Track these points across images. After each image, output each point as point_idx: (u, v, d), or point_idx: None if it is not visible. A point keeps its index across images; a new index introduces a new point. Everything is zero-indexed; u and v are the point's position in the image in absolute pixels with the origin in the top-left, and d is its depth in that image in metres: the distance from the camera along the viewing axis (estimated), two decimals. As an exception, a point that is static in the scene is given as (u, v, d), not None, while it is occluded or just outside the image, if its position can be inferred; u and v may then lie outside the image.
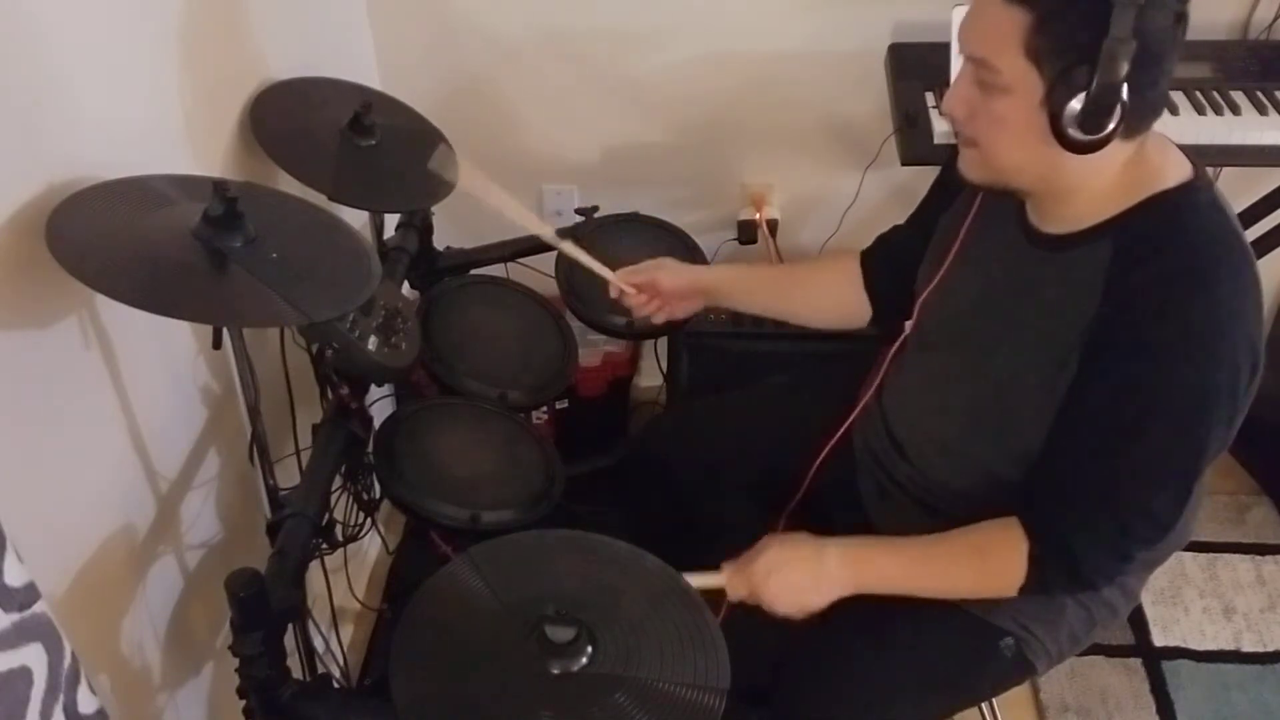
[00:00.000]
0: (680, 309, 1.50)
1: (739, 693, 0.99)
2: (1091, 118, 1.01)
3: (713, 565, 1.23)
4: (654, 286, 1.46)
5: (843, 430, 1.40)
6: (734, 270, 1.55)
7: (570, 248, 1.48)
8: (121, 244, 1.00)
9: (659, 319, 1.50)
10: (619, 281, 1.47)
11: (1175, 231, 1.07)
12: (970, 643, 1.27)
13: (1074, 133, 1.02)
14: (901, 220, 1.48)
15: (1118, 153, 1.07)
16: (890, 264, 1.44)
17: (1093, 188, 1.10)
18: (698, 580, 1.15)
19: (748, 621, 1.22)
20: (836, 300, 1.49)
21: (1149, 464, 1.10)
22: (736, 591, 1.21)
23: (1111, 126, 1.01)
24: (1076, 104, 1.00)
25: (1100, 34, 0.97)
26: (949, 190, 1.32)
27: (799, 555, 1.20)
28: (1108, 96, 0.99)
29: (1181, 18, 1.01)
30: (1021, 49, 1.02)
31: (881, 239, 1.49)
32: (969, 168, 1.15)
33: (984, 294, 1.23)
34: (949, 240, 1.27)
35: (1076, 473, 1.12)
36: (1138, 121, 1.05)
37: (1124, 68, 0.98)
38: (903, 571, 1.21)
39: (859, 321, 1.49)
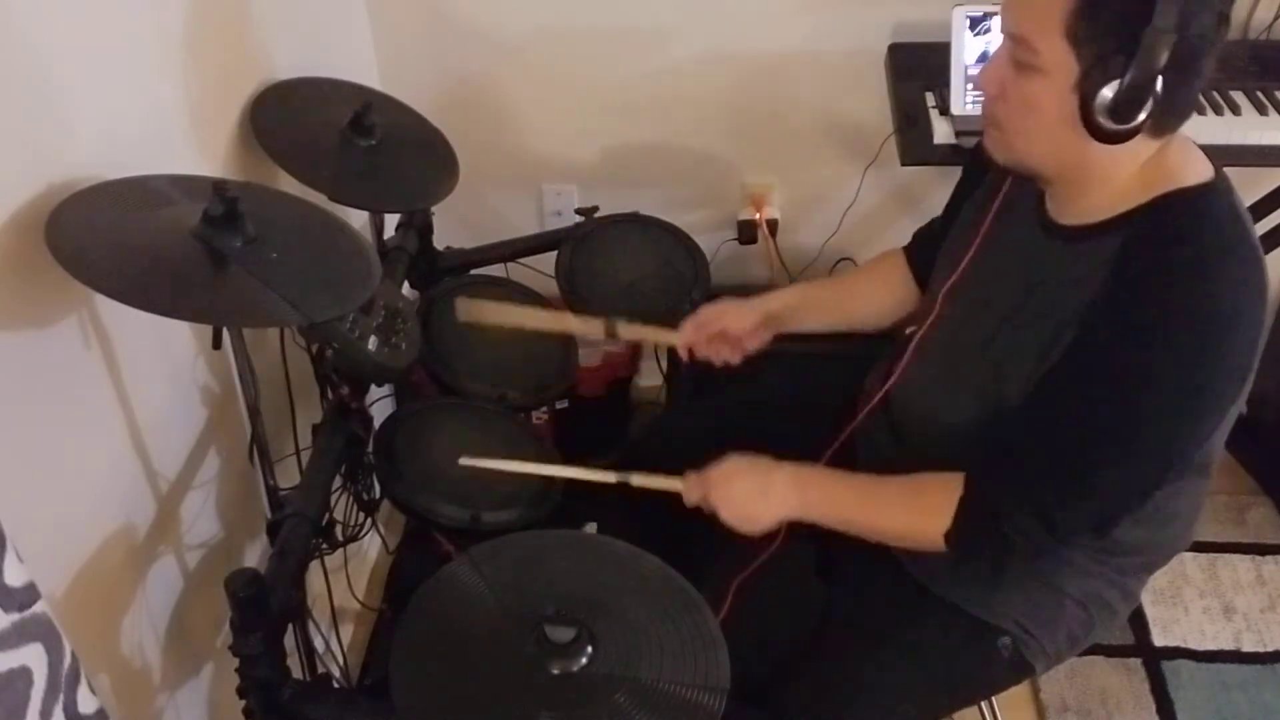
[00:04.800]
0: (753, 343, 1.49)
1: (739, 693, 0.99)
2: (1123, 107, 1.00)
3: (712, 571, 1.24)
4: (723, 335, 1.47)
5: (848, 431, 1.40)
6: (792, 294, 1.54)
7: (626, 329, 1.49)
8: (121, 244, 1.00)
9: (735, 360, 1.49)
10: (689, 342, 1.47)
11: (1186, 228, 1.06)
12: (968, 643, 1.27)
13: (1103, 121, 1.01)
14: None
15: (1142, 149, 1.07)
16: (931, 256, 1.44)
17: (1112, 182, 1.09)
18: (655, 482, 1.23)
19: (748, 622, 1.22)
20: (895, 300, 1.49)
21: (1104, 441, 1.08)
22: (691, 496, 1.24)
23: (1141, 118, 1.01)
24: (1109, 92, 1.00)
25: (1142, 23, 0.96)
26: (973, 177, 1.32)
27: (752, 468, 1.24)
28: (1142, 87, 0.99)
29: (1223, 19, 1.01)
30: (1062, 30, 1.01)
31: (918, 234, 1.51)
32: (994, 148, 1.15)
33: (995, 285, 1.23)
34: (969, 234, 1.27)
35: (1030, 434, 1.12)
36: (1168, 119, 1.05)
37: (1162, 59, 0.97)
38: (843, 500, 1.24)
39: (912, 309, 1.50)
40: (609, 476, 1.29)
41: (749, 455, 1.24)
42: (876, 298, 1.52)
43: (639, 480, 1.27)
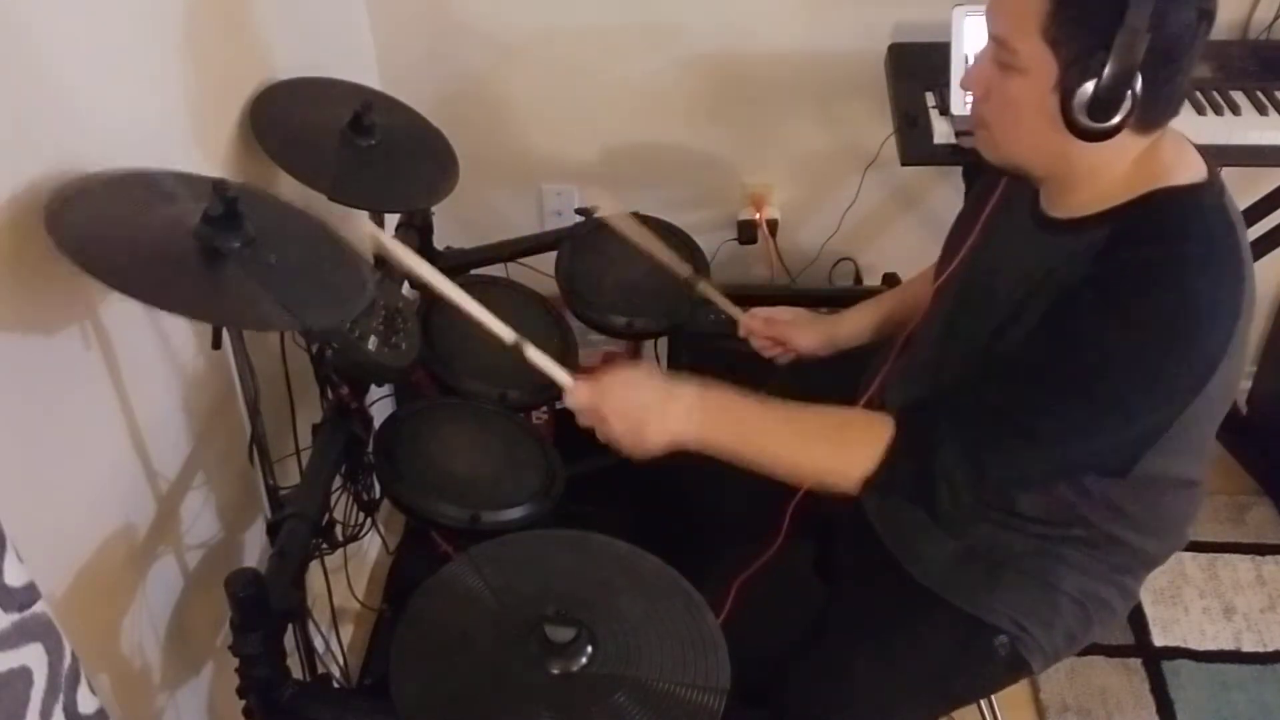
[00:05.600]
0: (809, 353, 1.54)
1: (738, 693, 0.99)
2: (1101, 106, 1.01)
3: (712, 571, 1.23)
4: (789, 343, 1.52)
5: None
6: (859, 315, 1.55)
7: (706, 287, 1.55)
8: (122, 235, 1.00)
9: (782, 360, 1.54)
10: (752, 328, 1.53)
11: (1169, 225, 1.06)
12: (965, 641, 1.27)
13: (1083, 120, 1.02)
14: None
15: (1131, 145, 1.07)
16: None
17: (1102, 177, 1.10)
18: (545, 363, 1.14)
19: (748, 622, 1.22)
20: None
21: (1044, 396, 1.07)
22: (579, 397, 1.14)
23: (1120, 117, 1.01)
24: (1088, 91, 1.01)
25: (1117, 22, 0.97)
26: (970, 178, 1.32)
27: (653, 380, 1.16)
28: (1119, 86, 0.99)
29: (1205, 15, 1.01)
30: (1040, 31, 1.02)
31: None
32: (983, 147, 1.16)
33: (988, 278, 1.23)
34: (965, 228, 1.27)
35: (976, 381, 1.11)
36: (1151, 116, 1.05)
37: (1137, 58, 0.98)
38: (754, 427, 1.16)
39: None
40: (507, 333, 1.17)
41: (653, 368, 1.21)
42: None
43: (533, 354, 1.16)
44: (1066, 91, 1.02)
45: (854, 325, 1.54)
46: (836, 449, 1.15)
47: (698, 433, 1.13)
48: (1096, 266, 1.06)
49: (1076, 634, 1.30)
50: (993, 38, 1.09)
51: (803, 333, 1.51)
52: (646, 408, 1.13)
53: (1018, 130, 1.10)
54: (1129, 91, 1.00)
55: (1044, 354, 1.07)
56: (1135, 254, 1.05)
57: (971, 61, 1.14)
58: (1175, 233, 1.05)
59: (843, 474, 1.13)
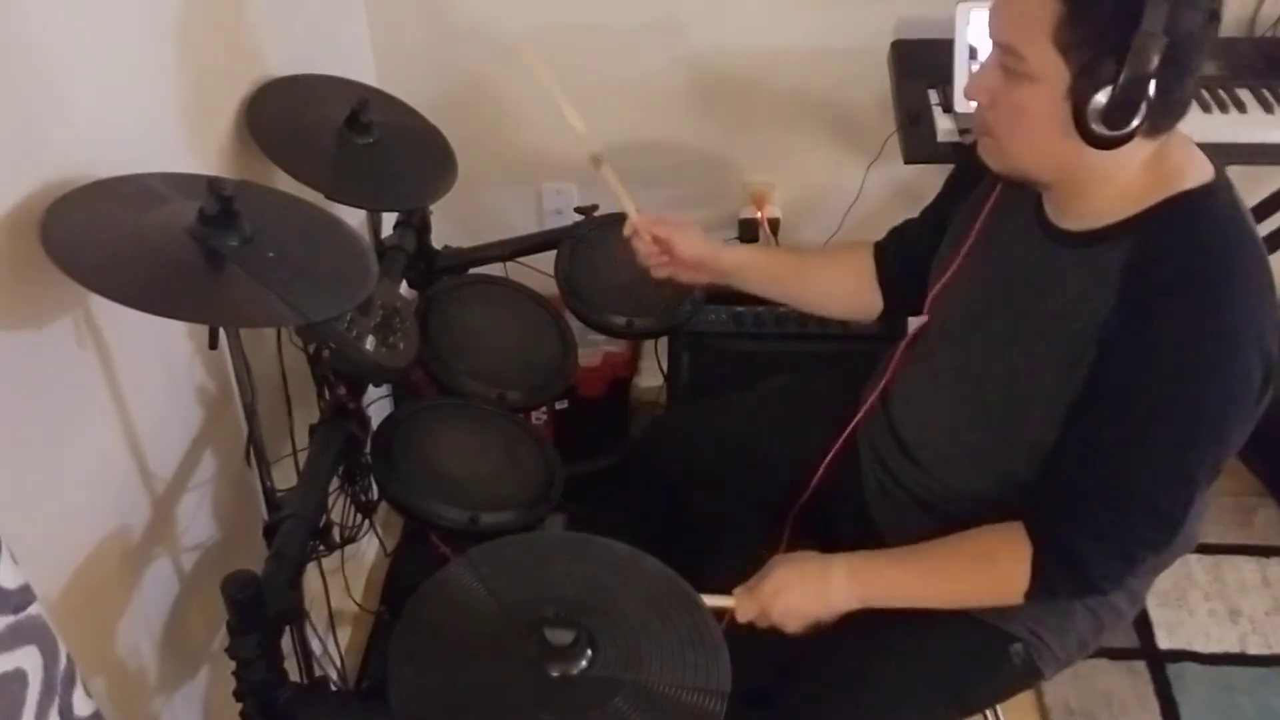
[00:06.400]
0: (687, 275, 1.48)
1: (740, 696, 0.98)
2: (1117, 112, 0.99)
3: (715, 568, 1.22)
4: (670, 246, 1.44)
5: (847, 432, 1.39)
6: (750, 253, 1.53)
7: (608, 171, 1.48)
8: (117, 243, 0.99)
9: (661, 274, 1.47)
10: (638, 223, 1.45)
11: (1192, 234, 1.06)
12: (979, 649, 1.26)
13: (1098, 127, 1.01)
14: (905, 218, 1.47)
15: (1140, 150, 1.06)
16: (903, 257, 1.43)
17: (1112, 184, 1.09)
18: (707, 600, 1.14)
19: (750, 624, 1.21)
20: (849, 291, 1.48)
21: (1156, 465, 1.08)
22: (746, 613, 1.20)
23: (1136, 123, 1.00)
24: (1102, 98, 0.99)
25: (1131, 27, 0.96)
26: (963, 183, 1.31)
27: (804, 573, 1.19)
28: (1135, 91, 0.98)
29: (1213, 16, 1.00)
30: (1050, 38, 1.01)
31: (894, 232, 1.48)
32: (988, 157, 1.14)
33: (998, 289, 1.22)
34: (963, 235, 1.26)
35: (1083, 472, 1.11)
36: (1162, 119, 1.04)
37: (1153, 63, 0.97)
38: (908, 584, 1.20)
39: (869, 314, 1.48)
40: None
41: (794, 557, 1.21)
42: (831, 287, 1.50)
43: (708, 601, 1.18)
44: (1080, 99, 1.00)
45: (738, 258, 1.50)
46: (988, 583, 1.18)
47: (862, 604, 1.19)
48: (1129, 300, 1.06)
49: (1087, 640, 1.29)
50: (998, 45, 1.07)
51: (687, 239, 1.44)
52: (809, 601, 1.18)
53: (1027, 138, 1.08)
54: (1144, 97, 0.98)
55: (1127, 424, 1.08)
56: (1163, 278, 1.05)
57: (976, 63, 1.13)
58: (1197, 243, 1.05)
59: (1003, 598, 1.18)
